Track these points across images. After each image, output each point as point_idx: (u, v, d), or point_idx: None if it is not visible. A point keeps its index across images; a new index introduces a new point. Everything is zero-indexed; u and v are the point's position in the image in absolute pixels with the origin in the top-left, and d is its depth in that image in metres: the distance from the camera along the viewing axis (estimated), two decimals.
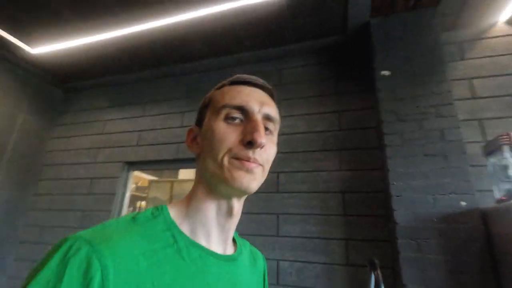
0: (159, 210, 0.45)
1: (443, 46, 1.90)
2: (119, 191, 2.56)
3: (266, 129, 0.48)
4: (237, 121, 0.46)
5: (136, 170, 2.68)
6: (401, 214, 1.53)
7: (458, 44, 1.96)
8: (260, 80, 0.52)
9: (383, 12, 1.93)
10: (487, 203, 1.51)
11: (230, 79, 0.52)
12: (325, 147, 2.05)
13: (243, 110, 0.46)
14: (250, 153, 0.43)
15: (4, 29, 2.22)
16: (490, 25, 1.93)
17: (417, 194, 1.54)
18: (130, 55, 2.46)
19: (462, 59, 1.93)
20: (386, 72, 1.82)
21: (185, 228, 0.45)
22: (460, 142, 1.55)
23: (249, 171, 0.43)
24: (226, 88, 0.51)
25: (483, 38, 1.93)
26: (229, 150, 0.44)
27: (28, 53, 2.47)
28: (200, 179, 0.49)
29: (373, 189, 1.83)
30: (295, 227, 1.93)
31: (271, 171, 2.07)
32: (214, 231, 0.47)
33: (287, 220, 1.96)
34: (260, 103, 0.47)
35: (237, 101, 0.46)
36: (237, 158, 0.44)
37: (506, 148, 1.43)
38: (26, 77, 2.79)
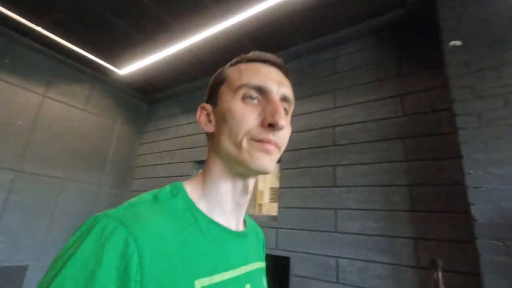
0: (176, 188, 0.46)
1: None
2: None
3: (284, 109, 0.47)
4: (255, 101, 0.45)
5: None
6: (481, 209, 1.27)
7: None
8: (277, 59, 0.50)
9: None
10: None
11: (246, 56, 0.50)
12: (388, 135, 1.85)
13: (262, 90, 0.45)
14: (270, 135, 0.43)
15: (100, 58, 2.75)
16: None
17: (504, 185, 1.24)
18: (193, 65, 2.73)
19: None
20: (457, 42, 1.53)
21: (202, 207, 0.46)
22: None
23: (268, 152, 0.43)
24: (242, 66, 0.49)
25: None
26: (248, 132, 0.44)
27: (118, 73, 3.00)
28: (215, 158, 0.49)
29: (448, 181, 1.56)
30: (355, 223, 1.80)
31: (327, 165, 2.00)
32: (229, 208, 0.48)
33: (346, 216, 1.85)
34: (278, 83, 0.46)
35: (256, 81, 0.45)
36: (257, 140, 0.43)
37: None
38: (119, 94, 3.39)
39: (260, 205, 4.29)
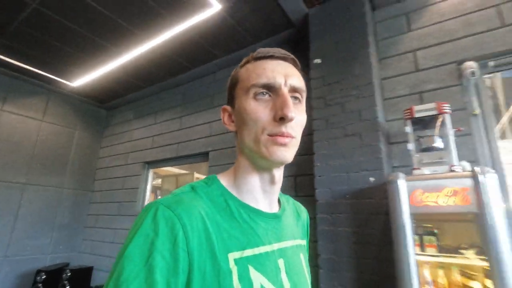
0: (210, 179, 0.52)
1: (377, 23, 1.89)
2: (142, 185, 3.21)
3: (295, 98, 0.50)
4: (266, 96, 0.49)
5: (152, 168, 3.30)
6: (321, 192, 1.67)
7: (405, 15, 1.90)
8: (281, 51, 0.53)
9: (318, 1, 2.00)
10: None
11: (253, 55, 0.54)
12: None
13: (270, 86, 0.48)
14: (283, 128, 0.46)
15: (52, 74, 3.06)
16: None
17: (335, 173, 1.65)
18: (137, 75, 3.06)
19: (409, 30, 1.86)
20: (318, 60, 1.91)
21: (234, 193, 0.51)
22: (374, 121, 1.59)
23: (283, 145, 0.46)
24: (250, 66, 0.53)
25: (430, 4, 1.83)
26: (264, 128, 0.47)
27: (71, 86, 3.31)
28: (241, 154, 0.54)
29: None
30: None
31: (226, 164, 2.37)
32: (260, 196, 0.53)
33: None
34: (285, 76, 0.49)
35: (264, 79, 0.49)
36: (271, 135, 0.47)
37: (408, 122, 1.44)
38: (76, 104, 3.70)
39: None
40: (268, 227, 0.51)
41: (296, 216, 0.63)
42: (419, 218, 1.30)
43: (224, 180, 0.53)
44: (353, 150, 1.62)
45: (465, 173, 1.21)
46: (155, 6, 2.06)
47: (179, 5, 2.04)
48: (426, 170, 1.32)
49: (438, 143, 1.37)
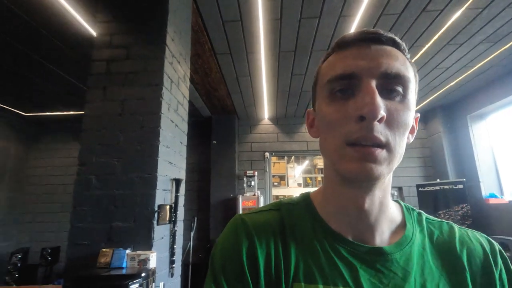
0: (302, 197, 0.49)
1: (239, 126, 4.57)
2: None
3: (391, 91, 0.36)
4: (348, 93, 0.37)
5: None
6: (213, 199, 4.16)
7: (249, 126, 4.65)
8: (372, 31, 0.38)
9: (216, 113, 4.45)
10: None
11: (334, 44, 0.42)
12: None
13: (350, 78, 0.36)
14: (365, 132, 0.34)
15: None
16: (260, 119, 4.67)
17: (222, 191, 4.17)
18: None
19: (250, 133, 4.62)
20: (214, 142, 4.38)
21: (322, 213, 0.44)
22: (233, 172, 4.23)
23: (365, 158, 0.34)
24: (331, 58, 0.41)
25: (258, 124, 4.66)
26: (341, 135, 0.36)
27: None
28: (327, 165, 0.45)
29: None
30: None
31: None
32: (347, 221, 0.42)
33: None
34: (372, 60, 0.36)
35: (339, 70, 0.37)
36: (352, 143, 0.35)
37: (244, 176, 4.17)
38: None
39: None
40: (361, 265, 0.38)
41: (454, 255, 0.41)
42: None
43: (315, 197, 0.47)
44: (227, 182, 4.20)
45: (259, 196, 4.02)
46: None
47: None
48: (247, 194, 4.06)
49: (254, 183, 4.15)
